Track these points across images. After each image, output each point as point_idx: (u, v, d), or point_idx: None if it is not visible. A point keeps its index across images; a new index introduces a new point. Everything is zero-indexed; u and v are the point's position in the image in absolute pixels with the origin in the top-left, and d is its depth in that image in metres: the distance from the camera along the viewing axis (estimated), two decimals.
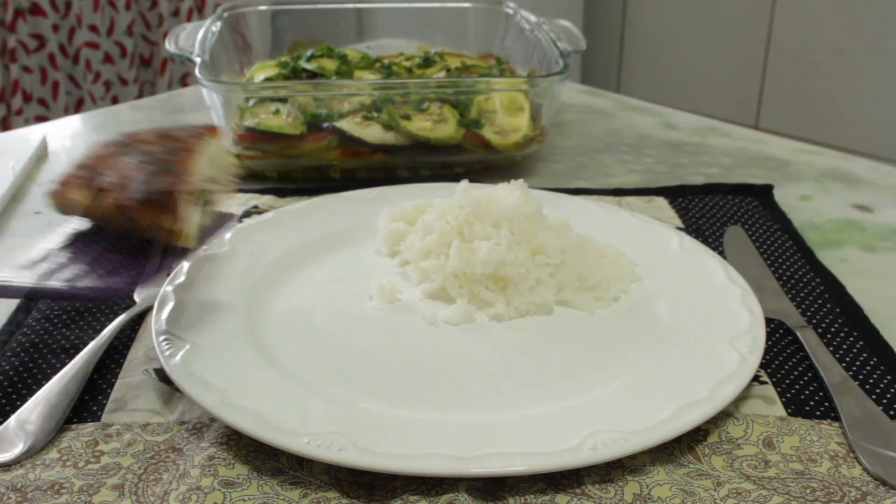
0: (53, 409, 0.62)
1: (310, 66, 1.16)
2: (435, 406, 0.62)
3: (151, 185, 0.64)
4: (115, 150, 0.69)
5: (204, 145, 0.70)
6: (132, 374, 0.67)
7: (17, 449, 0.59)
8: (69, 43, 2.69)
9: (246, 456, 0.58)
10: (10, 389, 0.65)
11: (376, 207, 0.87)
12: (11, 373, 0.66)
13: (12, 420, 0.61)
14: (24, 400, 0.64)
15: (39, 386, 0.65)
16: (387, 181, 1.01)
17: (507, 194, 0.80)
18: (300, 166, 1.03)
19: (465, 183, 0.81)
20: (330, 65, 1.18)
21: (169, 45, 1.09)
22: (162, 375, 0.66)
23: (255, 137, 1.01)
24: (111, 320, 0.74)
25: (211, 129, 0.73)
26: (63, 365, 0.67)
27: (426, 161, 1.04)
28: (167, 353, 0.64)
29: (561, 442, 0.56)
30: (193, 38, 1.10)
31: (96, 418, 0.63)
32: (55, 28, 2.64)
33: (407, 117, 1.02)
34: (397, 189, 0.92)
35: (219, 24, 1.18)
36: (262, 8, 1.30)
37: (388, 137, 1.02)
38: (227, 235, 0.81)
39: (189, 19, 2.92)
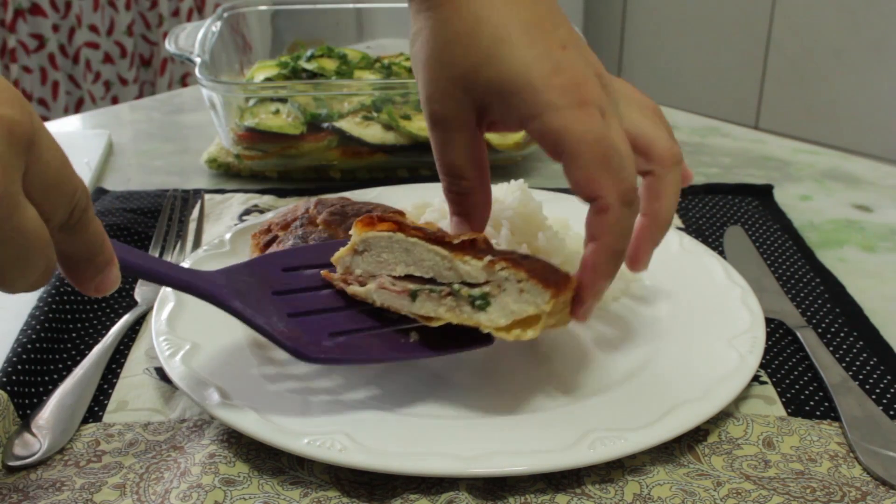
0: (69, 411, 0.62)
1: (310, 66, 1.16)
2: (435, 406, 0.62)
3: None
4: (296, 218, 0.76)
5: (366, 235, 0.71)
6: (133, 374, 0.67)
7: (36, 450, 0.59)
8: (69, 43, 2.69)
9: (247, 454, 0.58)
10: (17, 389, 0.64)
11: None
12: (20, 367, 0.66)
13: (30, 423, 0.61)
14: (30, 399, 0.64)
15: (46, 385, 0.65)
16: (387, 181, 1.01)
17: (507, 194, 0.80)
18: (300, 166, 1.03)
19: None
20: (330, 65, 1.19)
21: (169, 45, 1.09)
22: (163, 374, 0.66)
23: (255, 137, 1.01)
24: (109, 317, 0.74)
25: (396, 215, 0.74)
26: (66, 366, 0.68)
27: (426, 161, 1.04)
28: (167, 353, 0.64)
29: (561, 441, 0.56)
30: (193, 38, 1.10)
31: (97, 419, 0.63)
32: (55, 28, 2.64)
33: (407, 117, 1.02)
34: (397, 189, 0.92)
35: (219, 24, 1.18)
36: (262, 8, 1.30)
37: (388, 137, 1.02)
38: (228, 235, 0.81)
39: (189, 19, 2.92)
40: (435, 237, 0.60)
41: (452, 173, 0.64)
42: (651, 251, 0.64)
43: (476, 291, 0.58)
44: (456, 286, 0.58)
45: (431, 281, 0.60)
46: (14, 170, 0.41)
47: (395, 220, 0.62)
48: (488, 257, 0.58)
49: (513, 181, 0.82)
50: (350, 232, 0.64)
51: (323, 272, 0.65)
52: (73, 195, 0.44)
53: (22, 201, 0.41)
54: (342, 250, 0.64)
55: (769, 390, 0.66)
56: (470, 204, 0.65)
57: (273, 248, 0.75)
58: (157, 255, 0.84)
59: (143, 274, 0.57)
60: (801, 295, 0.79)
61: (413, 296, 0.60)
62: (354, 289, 0.63)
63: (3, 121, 0.40)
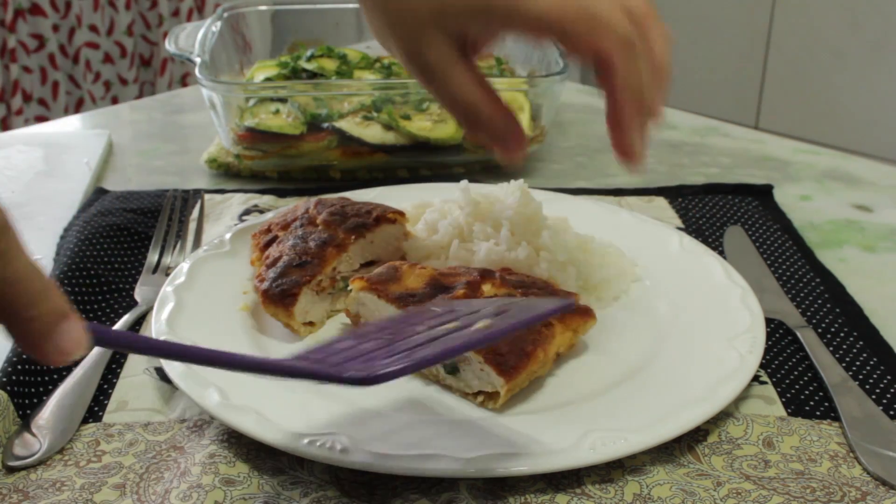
0: (69, 411, 0.62)
1: (310, 66, 1.16)
2: (435, 406, 0.62)
3: (274, 282, 0.70)
4: (296, 218, 0.77)
5: (365, 237, 0.75)
6: (133, 374, 0.67)
7: (36, 450, 0.59)
8: (69, 43, 2.69)
9: (247, 454, 0.58)
10: (17, 389, 0.64)
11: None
12: (20, 367, 0.66)
13: (30, 423, 0.61)
14: (30, 399, 0.64)
15: (46, 385, 0.65)
16: (387, 181, 1.01)
17: (507, 194, 0.80)
18: (300, 166, 1.03)
19: (465, 183, 0.81)
20: (330, 65, 1.18)
21: (169, 45, 1.09)
22: (163, 374, 0.66)
23: (255, 137, 1.01)
24: (109, 317, 0.74)
25: (396, 215, 0.78)
26: (68, 367, 0.68)
27: (426, 161, 1.04)
28: None
29: (561, 442, 0.56)
30: (193, 38, 1.10)
31: (97, 419, 0.63)
32: (55, 28, 2.64)
33: (407, 117, 1.02)
34: (397, 189, 0.92)
35: (219, 24, 1.18)
36: (262, 8, 1.29)
37: (388, 137, 1.02)
38: (228, 235, 0.81)
39: (189, 19, 2.92)
40: (405, 307, 0.64)
41: (468, 111, 0.64)
42: (663, 99, 0.64)
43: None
44: None
45: None
46: None
47: (374, 283, 0.67)
48: None
49: (513, 181, 0.82)
50: (348, 288, 0.69)
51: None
52: None
53: None
54: (349, 298, 0.69)
55: (769, 390, 0.66)
56: (500, 130, 0.65)
57: (273, 248, 0.75)
58: (156, 255, 0.84)
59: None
60: (801, 295, 0.79)
61: None
62: None
63: None
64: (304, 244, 0.73)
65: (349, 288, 0.69)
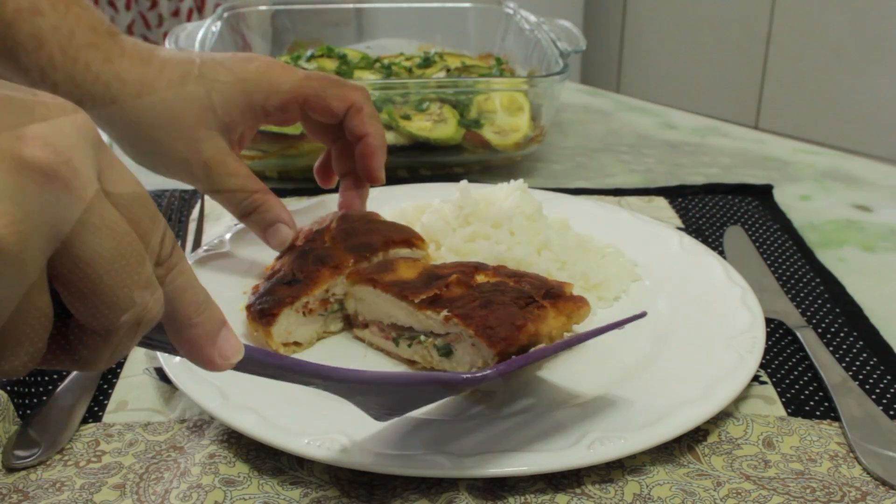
0: (69, 411, 0.62)
1: (309, 67, 1.16)
2: (435, 406, 0.62)
3: (259, 299, 0.69)
4: (310, 233, 0.75)
5: (369, 261, 0.72)
6: (133, 374, 0.67)
7: (37, 450, 0.59)
8: None
9: (247, 454, 0.58)
10: (17, 389, 0.64)
11: (376, 207, 0.87)
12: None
13: (30, 423, 0.61)
14: (30, 399, 0.64)
15: (46, 385, 0.65)
16: (387, 181, 1.01)
17: (507, 194, 0.80)
18: (300, 166, 1.03)
19: (465, 183, 0.81)
20: (330, 65, 1.18)
21: (169, 46, 1.09)
22: (163, 374, 0.66)
23: (255, 137, 1.01)
24: None
25: (416, 240, 0.75)
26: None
27: (426, 161, 1.04)
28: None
29: (560, 442, 0.56)
30: (193, 39, 1.10)
31: (97, 419, 0.63)
32: None
33: (407, 117, 1.02)
34: (397, 189, 0.92)
35: (219, 24, 1.18)
36: (262, 8, 1.29)
37: (388, 137, 1.02)
38: (228, 235, 0.81)
39: (189, 19, 2.92)
40: (402, 293, 0.65)
41: (246, 199, 0.73)
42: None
43: (439, 342, 0.64)
44: (422, 337, 0.65)
45: (410, 329, 0.66)
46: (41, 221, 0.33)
47: (371, 276, 0.67)
48: (444, 312, 0.63)
49: (513, 181, 0.82)
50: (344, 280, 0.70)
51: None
52: (156, 214, 0.40)
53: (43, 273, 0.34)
54: (346, 296, 0.70)
55: (769, 390, 0.66)
56: (275, 206, 0.74)
57: (279, 261, 0.73)
58: None
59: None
60: (801, 295, 0.79)
61: (395, 342, 0.67)
62: (358, 331, 0.70)
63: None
64: (301, 261, 0.71)
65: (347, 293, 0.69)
